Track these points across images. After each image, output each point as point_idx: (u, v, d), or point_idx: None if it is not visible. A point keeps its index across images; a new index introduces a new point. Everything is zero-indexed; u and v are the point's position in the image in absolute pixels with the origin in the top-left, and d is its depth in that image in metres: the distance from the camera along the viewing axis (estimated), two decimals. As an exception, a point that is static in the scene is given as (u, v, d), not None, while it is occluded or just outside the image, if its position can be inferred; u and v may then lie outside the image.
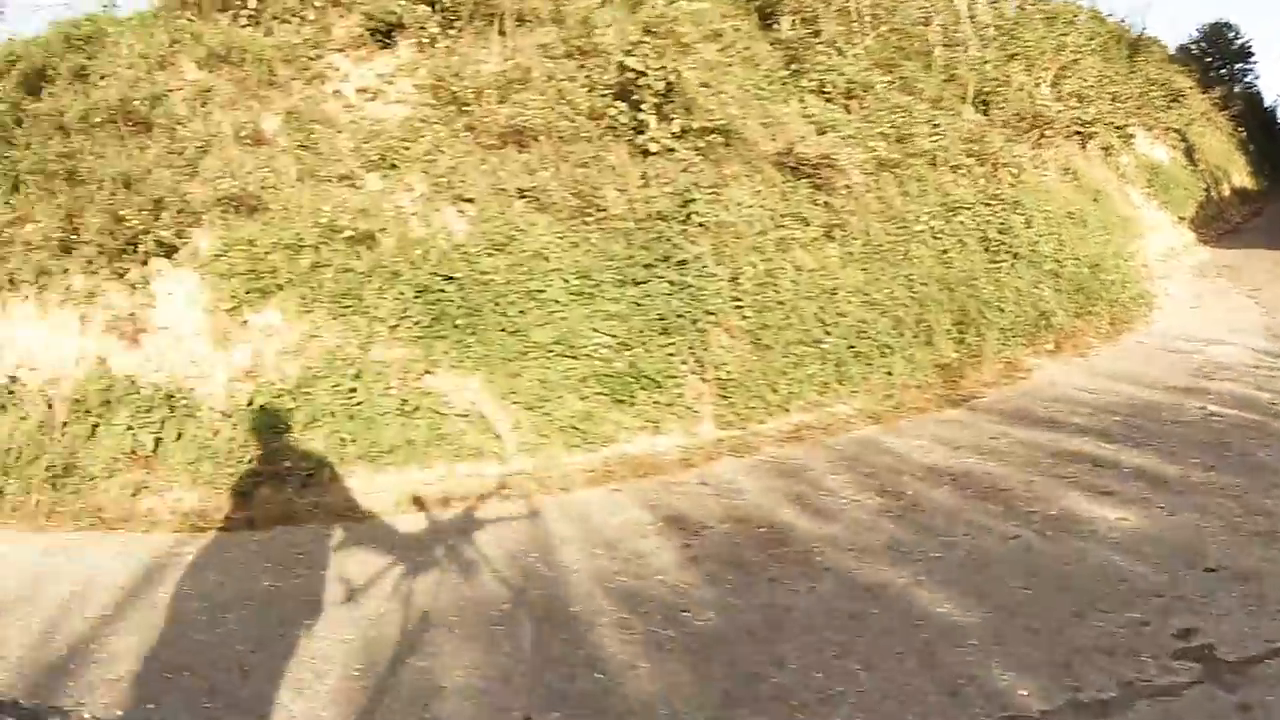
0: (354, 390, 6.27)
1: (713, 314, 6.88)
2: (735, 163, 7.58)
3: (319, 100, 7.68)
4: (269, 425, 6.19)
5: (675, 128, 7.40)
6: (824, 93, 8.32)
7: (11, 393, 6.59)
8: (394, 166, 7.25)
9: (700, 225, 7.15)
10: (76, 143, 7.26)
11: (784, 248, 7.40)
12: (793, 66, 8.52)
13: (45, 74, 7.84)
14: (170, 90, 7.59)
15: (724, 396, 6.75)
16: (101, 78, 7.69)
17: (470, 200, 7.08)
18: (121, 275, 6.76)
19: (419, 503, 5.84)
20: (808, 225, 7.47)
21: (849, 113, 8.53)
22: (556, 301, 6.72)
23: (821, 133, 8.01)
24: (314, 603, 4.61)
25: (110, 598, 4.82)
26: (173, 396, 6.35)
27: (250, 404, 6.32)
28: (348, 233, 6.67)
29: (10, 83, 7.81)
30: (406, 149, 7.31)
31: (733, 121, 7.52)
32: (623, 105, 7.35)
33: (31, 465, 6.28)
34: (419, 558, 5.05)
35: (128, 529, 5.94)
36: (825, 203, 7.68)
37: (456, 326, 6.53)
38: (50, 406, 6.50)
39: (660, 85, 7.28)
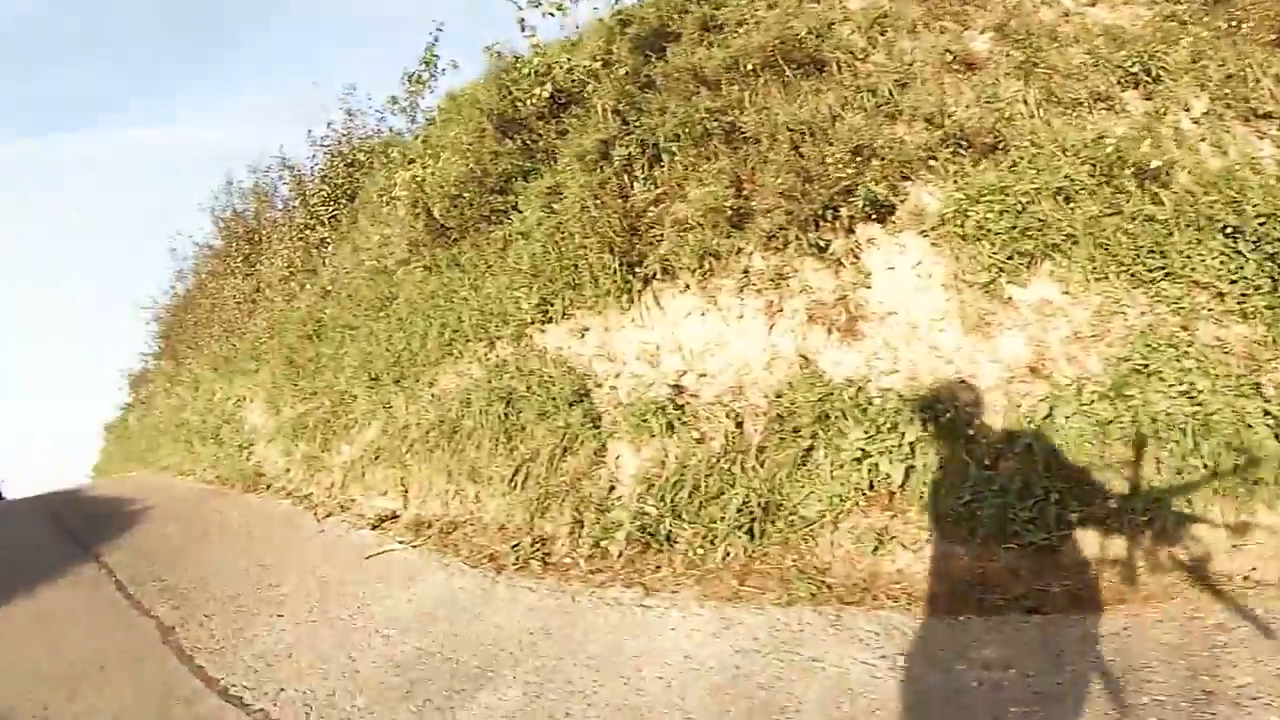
0: (1199, 390, 4.09)
1: None
2: None
3: (1029, 11, 6.05)
4: (1074, 445, 4.18)
5: None
6: None
7: (679, 408, 5.18)
8: (1156, 80, 5.32)
9: None
10: (730, 95, 5.94)
11: None
12: None
13: (665, 33, 6.83)
14: (833, 23, 6.21)
15: None
16: (738, 24, 6.50)
17: (1267, 115, 5.05)
18: (822, 248, 5.18)
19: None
20: None
21: None
22: None
23: None
24: None
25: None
26: (929, 407, 4.52)
27: (1049, 415, 4.31)
28: (1135, 168, 4.75)
29: (624, 48, 6.91)
30: (1166, 56, 5.39)
31: None
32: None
33: (713, 504, 4.75)
34: None
35: (867, 603, 4.04)
36: None
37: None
38: (739, 425, 4.94)
39: None
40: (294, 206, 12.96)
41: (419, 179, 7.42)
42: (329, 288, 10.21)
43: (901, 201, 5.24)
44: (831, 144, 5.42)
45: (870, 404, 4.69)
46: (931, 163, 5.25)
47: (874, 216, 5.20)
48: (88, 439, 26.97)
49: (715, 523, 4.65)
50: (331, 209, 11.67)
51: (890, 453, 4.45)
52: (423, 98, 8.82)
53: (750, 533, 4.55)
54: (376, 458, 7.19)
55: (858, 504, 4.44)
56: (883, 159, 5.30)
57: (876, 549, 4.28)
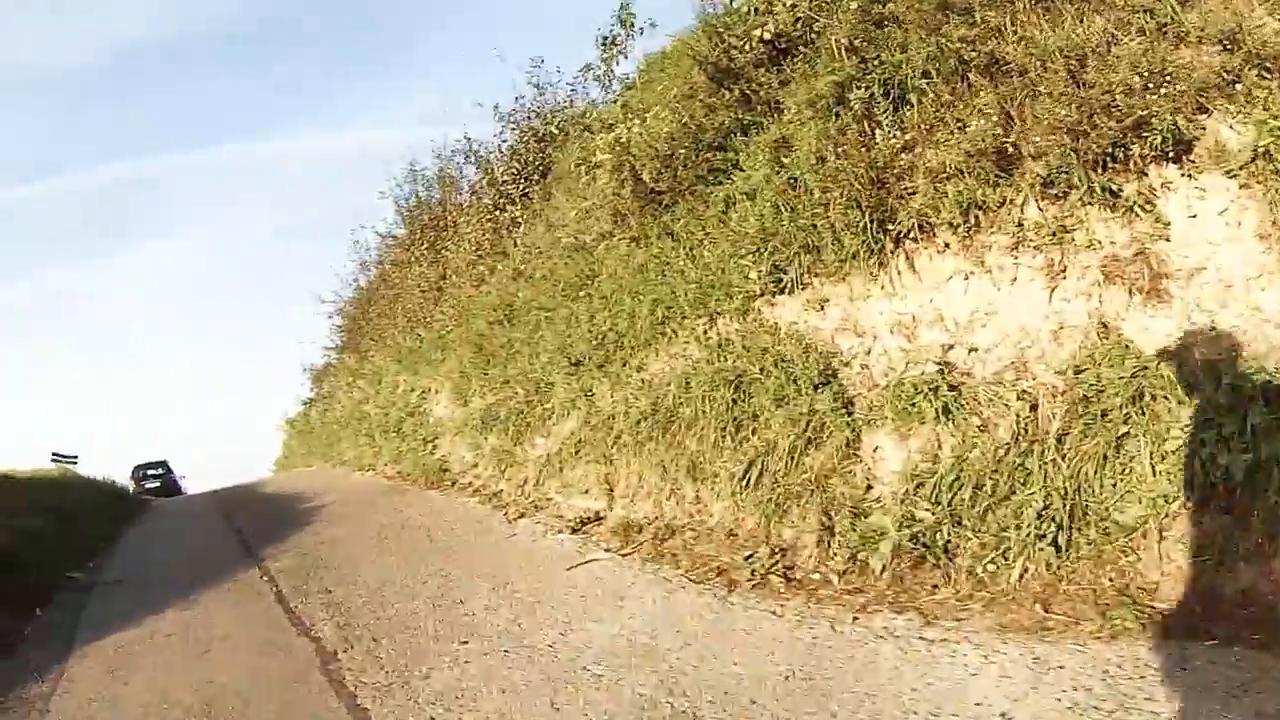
0: None
1: None
2: None
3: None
4: None
5: None
6: None
7: (954, 389, 4.57)
8: None
9: None
10: (985, 22, 5.28)
11: None
12: None
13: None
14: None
15: None
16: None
17: None
18: (1113, 195, 4.47)
19: None
20: None
21: None
22: None
23: None
24: None
25: None
26: (1268, 384, 3.73)
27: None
28: None
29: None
30: None
31: None
32: None
33: (1003, 508, 4.15)
34: None
35: (1215, 636, 3.29)
36: None
37: None
38: (1033, 409, 4.26)
39: None
40: (481, 188, 13.00)
41: (624, 141, 7.07)
42: (521, 269, 10.12)
43: (1199, 137, 4.42)
44: (1115, 73, 4.65)
45: (1197, 380, 3.93)
46: (1233, 90, 4.40)
47: (1170, 155, 4.42)
48: (272, 434, 28.42)
49: (1007, 531, 4.07)
50: (522, 187, 11.62)
51: (1228, 441, 3.69)
52: (618, 62, 8.51)
53: (1055, 544, 3.92)
54: (576, 451, 6.91)
55: (1187, 505, 3.75)
56: (1175, 87, 4.49)
57: (1218, 564, 3.56)
